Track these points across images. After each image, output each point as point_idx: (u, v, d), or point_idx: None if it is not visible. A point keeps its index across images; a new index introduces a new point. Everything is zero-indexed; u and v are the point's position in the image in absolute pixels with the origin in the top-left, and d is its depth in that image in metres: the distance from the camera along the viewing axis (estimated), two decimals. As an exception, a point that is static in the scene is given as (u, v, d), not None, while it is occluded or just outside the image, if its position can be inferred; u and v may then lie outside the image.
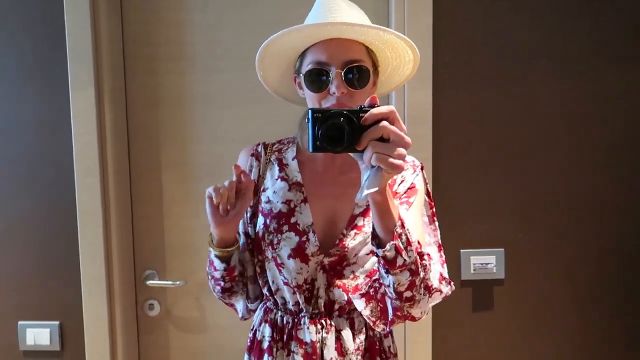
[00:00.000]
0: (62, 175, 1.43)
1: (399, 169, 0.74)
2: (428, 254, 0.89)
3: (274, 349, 1.01)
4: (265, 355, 1.01)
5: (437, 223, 1.04)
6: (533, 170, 1.43)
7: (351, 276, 0.98)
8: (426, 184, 1.03)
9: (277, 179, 1.03)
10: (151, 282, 1.52)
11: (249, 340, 1.07)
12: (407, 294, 0.87)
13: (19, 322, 1.45)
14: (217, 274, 1.00)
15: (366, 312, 0.95)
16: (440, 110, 1.41)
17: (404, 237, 0.81)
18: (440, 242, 1.03)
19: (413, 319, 0.94)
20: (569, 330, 1.46)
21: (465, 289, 1.46)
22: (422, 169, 1.03)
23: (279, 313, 1.02)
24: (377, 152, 0.73)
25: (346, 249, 0.97)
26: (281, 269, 0.99)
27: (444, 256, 1.02)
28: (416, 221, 0.96)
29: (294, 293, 0.99)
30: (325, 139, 0.75)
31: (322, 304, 0.99)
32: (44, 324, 1.45)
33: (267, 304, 1.05)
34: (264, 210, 1.02)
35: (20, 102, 1.42)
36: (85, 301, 1.44)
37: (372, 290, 0.95)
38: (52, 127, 1.43)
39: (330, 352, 0.98)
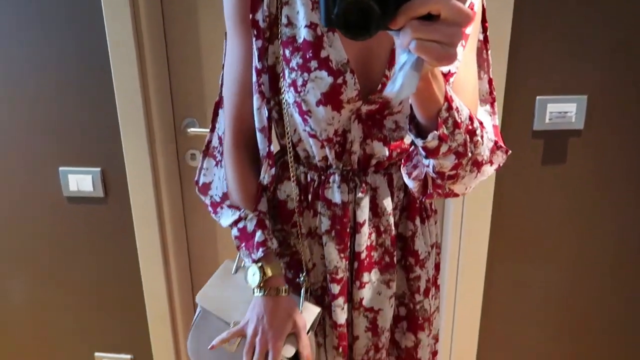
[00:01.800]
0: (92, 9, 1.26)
1: (449, 60, 0.50)
2: (481, 124, 0.70)
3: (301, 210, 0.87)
4: (294, 216, 0.87)
5: (490, 57, 0.82)
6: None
7: (393, 126, 0.80)
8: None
9: None
10: (191, 129, 1.42)
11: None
12: (451, 173, 0.70)
13: (60, 168, 1.40)
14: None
15: (410, 184, 0.78)
16: None
17: (450, 122, 0.63)
18: (494, 93, 0.82)
19: (455, 195, 0.77)
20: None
21: (537, 141, 1.32)
22: None
23: (302, 169, 0.86)
24: (419, 37, 0.49)
25: None
26: (307, 118, 0.78)
27: (497, 113, 0.82)
28: (468, 76, 0.75)
29: (322, 147, 0.81)
30: (343, 21, 0.49)
31: (356, 160, 0.82)
32: (85, 170, 1.39)
33: (285, 157, 0.87)
34: (283, 37, 0.76)
35: None
36: (126, 148, 1.36)
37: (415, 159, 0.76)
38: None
39: (364, 214, 0.84)
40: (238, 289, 0.88)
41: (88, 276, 1.51)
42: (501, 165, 0.79)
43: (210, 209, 0.88)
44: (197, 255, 1.58)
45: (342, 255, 0.84)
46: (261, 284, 0.81)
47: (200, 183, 0.89)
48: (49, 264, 1.51)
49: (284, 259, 0.90)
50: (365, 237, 0.84)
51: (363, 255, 0.84)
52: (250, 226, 0.82)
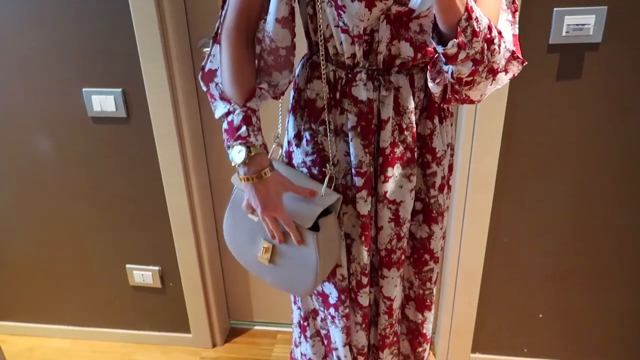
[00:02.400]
0: None
1: None
2: (499, 33, 0.76)
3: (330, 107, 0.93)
4: (323, 113, 0.92)
5: None
6: None
7: (418, 29, 0.85)
8: None
9: None
10: (207, 49, 1.44)
11: (292, 101, 0.98)
12: (468, 79, 0.78)
13: (83, 89, 1.45)
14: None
15: (433, 88, 0.84)
16: None
17: (469, 31, 0.70)
18: (516, 2, 0.86)
19: (471, 102, 0.85)
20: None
21: (552, 55, 1.30)
22: None
23: (331, 67, 0.90)
24: None
25: None
26: (341, 12, 0.82)
27: (517, 23, 0.86)
28: None
29: (352, 43, 0.85)
30: None
31: (381, 60, 0.87)
32: (107, 90, 1.44)
33: (314, 58, 0.92)
34: None
35: None
36: (144, 68, 1.40)
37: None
38: None
39: (388, 111, 0.90)
40: None
41: (116, 193, 1.61)
42: (516, 75, 0.86)
43: (209, 98, 0.92)
44: (216, 171, 1.65)
45: (366, 150, 0.91)
46: (246, 161, 0.85)
47: (206, 69, 0.91)
48: (79, 183, 1.60)
49: (309, 156, 0.96)
50: (388, 134, 0.90)
51: (387, 151, 0.92)
52: (237, 120, 0.86)
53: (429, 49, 0.87)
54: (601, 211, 1.46)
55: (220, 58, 0.88)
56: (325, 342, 1.12)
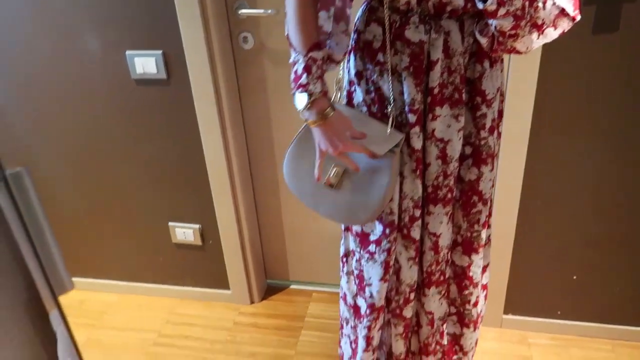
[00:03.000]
0: None
1: None
2: None
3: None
4: (379, 54, 0.99)
5: None
6: None
7: None
8: None
9: None
10: (242, 11, 1.49)
11: (352, 43, 1.04)
12: (511, 32, 0.83)
13: (127, 52, 1.54)
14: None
15: (481, 40, 0.91)
16: None
17: None
18: None
19: (518, 52, 0.90)
20: None
21: (589, 7, 1.27)
22: None
23: (387, 11, 0.96)
24: None
25: None
26: None
27: None
28: None
29: None
30: None
31: (432, 7, 0.93)
32: (149, 52, 1.52)
33: (372, 3, 1.00)
34: None
35: None
36: (183, 30, 1.46)
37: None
38: None
39: (437, 53, 0.95)
40: None
41: (159, 153, 1.69)
42: (566, 30, 0.90)
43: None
44: (253, 132, 1.71)
45: (418, 88, 0.97)
46: (308, 106, 0.93)
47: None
48: (125, 143, 1.70)
49: (369, 95, 1.03)
50: (437, 74, 0.96)
51: (435, 91, 0.97)
52: (300, 69, 0.93)
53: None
54: (638, 170, 1.43)
55: (287, 9, 0.95)
56: (357, 281, 1.17)
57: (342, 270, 1.24)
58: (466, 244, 1.14)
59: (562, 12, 0.85)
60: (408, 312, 1.20)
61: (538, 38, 0.87)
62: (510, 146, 1.44)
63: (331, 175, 1.03)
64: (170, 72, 1.55)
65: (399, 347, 1.23)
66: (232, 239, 1.78)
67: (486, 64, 0.98)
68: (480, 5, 0.78)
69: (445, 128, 1.00)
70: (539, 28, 0.84)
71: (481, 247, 1.15)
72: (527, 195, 1.52)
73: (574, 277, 1.62)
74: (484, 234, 1.14)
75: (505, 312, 1.73)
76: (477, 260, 1.16)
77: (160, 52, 1.52)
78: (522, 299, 1.69)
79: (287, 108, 1.64)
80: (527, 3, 0.77)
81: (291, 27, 0.94)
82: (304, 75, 0.92)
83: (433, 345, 1.25)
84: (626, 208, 1.48)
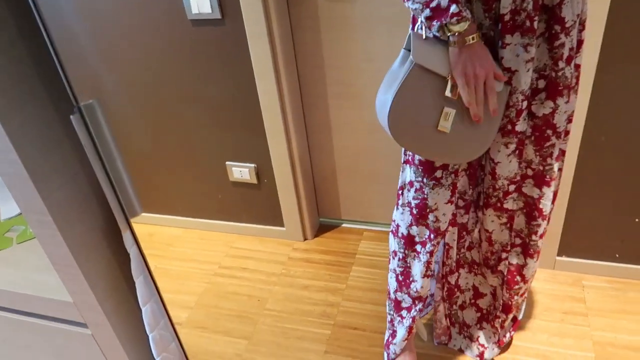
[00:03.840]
0: None
1: None
2: None
3: None
4: None
5: None
6: None
7: None
8: None
9: None
10: (295, -55, 1.46)
11: None
12: None
13: (182, -7, 1.55)
14: None
15: None
16: None
17: None
18: None
19: None
20: None
21: None
22: None
23: None
24: None
25: None
26: None
27: None
28: None
29: None
30: None
31: None
32: (203, -8, 1.54)
33: None
34: None
35: None
36: (235, -33, 1.46)
37: None
38: None
39: None
40: (437, 49, 1.00)
41: (215, 94, 1.74)
42: None
43: None
44: (305, 72, 1.72)
45: (486, 14, 0.97)
46: (461, 32, 0.94)
47: None
48: (183, 84, 1.75)
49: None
50: (509, 1, 0.94)
51: (506, 18, 0.95)
52: (445, 2, 0.92)
53: None
54: None
55: None
56: (417, 211, 1.20)
57: (396, 204, 1.27)
58: (538, 177, 1.14)
59: None
60: (460, 219, 1.27)
61: None
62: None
63: (447, 119, 1.03)
64: (224, 11, 1.56)
65: (453, 252, 1.32)
66: (286, 178, 1.84)
67: None
68: None
69: (514, 57, 0.99)
70: None
71: (553, 180, 1.15)
72: (590, 131, 1.45)
73: (637, 220, 1.57)
74: (556, 167, 1.14)
75: (559, 254, 1.71)
76: (549, 192, 1.16)
77: (214, -11, 1.53)
78: (578, 241, 1.66)
79: (340, 46, 1.63)
80: None
81: None
82: (453, 5, 0.92)
83: (492, 263, 1.30)
84: (699, 148, 1.39)
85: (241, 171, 1.89)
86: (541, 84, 1.04)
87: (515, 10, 0.95)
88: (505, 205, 1.18)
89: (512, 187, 1.16)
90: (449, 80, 0.99)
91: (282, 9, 1.57)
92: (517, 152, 1.10)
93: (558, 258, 1.71)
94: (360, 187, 1.92)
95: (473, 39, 0.95)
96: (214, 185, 1.98)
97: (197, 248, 2.03)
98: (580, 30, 1.02)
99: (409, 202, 1.21)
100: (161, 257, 2.00)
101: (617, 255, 1.66)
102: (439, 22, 0.94)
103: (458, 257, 1.36)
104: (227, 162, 1.90)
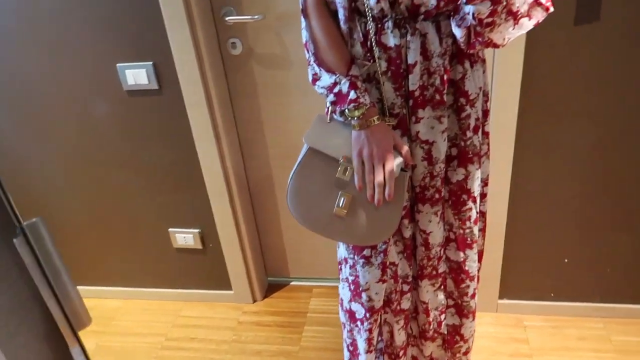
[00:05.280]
0: None
1: None
2: None
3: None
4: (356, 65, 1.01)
5: None
6: None
7: None
8: None
9: None
10: (230, 18, 1.50)
11: None
12: (488, 20, 0.84)
13: (118, 65, 1.55)
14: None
15: (457, 32, 0.92)
16: None
17: None
18: None
19: (495, 45, 0.91)
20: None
21: None
22: None
23: (362, 19, 0.99)
24: None
25: None
26: None
27: None
28: None
29: (378, 2, 0.93)
30: None
31: (405, 8, 0.93)
32: (139, 64, 1.53)
33: (345, 13, 1.00)
34: None
35: None
36: (172, 40, 1.47)
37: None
38: None
39: (415, 56, 0.96)
40: (338, 132, 1.03)
41: (155, 161, 1.72)
42: (540, 21, 0.93)
43: (310, 67, 1.02)
44: (246, 135, 1.74)
45: (397, 93, 1.00)
46: (359, 116, 0.97)
47: (304, 41, 1.02)
48: (121, 153, 1.72)
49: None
50: (417, 77, 0.98)
51: (416, 94, 0.99)
52: (345, 88, 0.97)
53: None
54: (624, 153, 1.47)
55: (312, 31, 0.99)
56: (352, 287, 1.21)
57: (339, 276, 1.27)
58: (460, 241, 1.18)
59: (536, 1, 0.88)
60: (406, 304, 1.25)
61: (513, 28, 0.89)
62: (499, 134, 1.48)
63: (341, 204, 1.03)
64: (161, 82, 1.56)
65: (401, 338, 1.28)
66: (232, 241, 1.82)
67: (467, 64, 1.00)
68: None
69: (429, 130, 1.03)
70: (515, 16, 0.86)
71: (475, 242, 1.19)
72: (518, 181, 1.55)
73: (565, 260, 1.67)
74: (476, 230, 1.18)
75: (500, 296, 1.78)
76: (472, 254, 1.20)
77: (150, 63, 1.53)
78: (516, 283, 1.75)
79: (278, 110, 1.66)
80: None
81: (323, 52, 0.99)
82: (352, 92, 0.96)
83: (431, 332, 1.30)
84: (614, 190, 1.53)
85: (185, 237, 1.85)
86: (453, 151, 1.08)
87: (424, 86, 0.99)
88: (440, 271, 1.21)
89: (442, 251, 1.19)
90: (342, 163, 1.01)
91: (219, 77, 1.60)
92: (440, 215, 1.14)
93: (499, 301, 1.79)
94: (307, 243, 1.93)
95: (374, 121, 0.98)
96: (157, 253, 1.92)
97: (141, 320, 1.94)
98: (485, 101, 1.08)
99: (347, 278, 1.22)
100: (102, 333, 1.90)
101: (552, 295, 1.75)
102: (340, 108, 0.98)
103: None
104: (170, 229, 1.85)
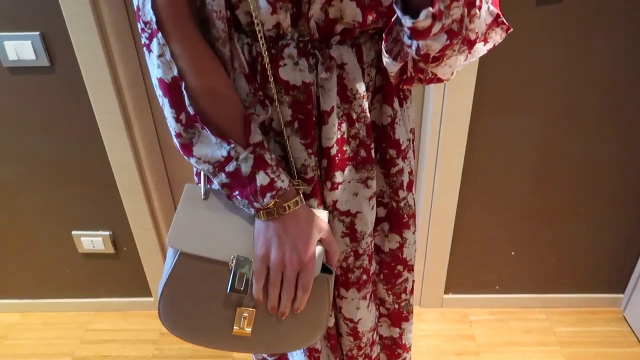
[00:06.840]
0: None
1: None
2: None
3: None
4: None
5: None
6: None
7: None
8: None
9: None
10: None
11: None
12: (437, 54, 0.57)
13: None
14: None
15: (390, 65, 0.63)
16: None
17: None
18: None
19: (439, 80, 0.65)
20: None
21: (530, -24, 1.17)
22: None
23: (245, 40, 0.65)
24: None
25: None
26: None
27: None
28: None
29: (274, 12, 0.60)
30: None
31: (314, 26, 0.63)
32: (22, 34, 1.22)
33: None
34: None
35: None
36: (64, 5, 1.18)
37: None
38: None
39: (331, 99, 0.67)
40: (223, 216, 0.68)
41: (51, 152, 1.42)
42: (497, 44, 0.66)
43: (175, 140, 0.67)
44: (165, 122, 1.48)
45: (309, 150, 0.69)
46: (273, 203, 0.64)
47: (157, 75, 0.64)
48: (6, 143, 1.40)
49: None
50: (334, 129, 0.69)
51: (333, 151, 0.70)
52: (247, 168, 0.63)
53: (382, 9, 0.62)
54: (569, 148, 1.40)
55: (175, 60, 0.60)
56: None
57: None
58: (394, 316, 0.96)
59: (496, 20, 0.64)
60: None
61: (466, 59, 0.63)
62: (451, 127, 1.35)
63: (242, 324, 0.70)
64: (53, 57, 1.26)
65: None
66: (150, 243, 1.58)
67: (396, 104, 0.73)
68: (408, 23, 0.51)
69: (352, 197, 0.75)
70: (471, 45, 0.60)
71: (411, 313, 0.97)
72: (467, 177, 1.45)
73: (512, 253, 1.61)
74: (412, 299, 0.96)
75: (446, 292, 1.70)
76: (408, 326, 0.99)
77: (37, 33, 1.22)
78: (462, 278, 1.67)
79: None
80: (465, 11, 0.52)
81: (200, 98, 0.61)
82: (261, 175, 0.63)
83: None
84: (559, 183, 1.46)
85: (93, 241, 1.57)
86: (381, 212, 0.83)
87: (343, 139, 0.70)
88: (373, 356, 1.00)
89: (375, 335, 0.97)
90: (232, 268, 0.67)
91: (129, 51, 1.32)
92: (370, 297, 0.89)
93: (445, 296, 1.70)
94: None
95: (290, 207, 0.65)
96: (60, 260, 1.63)
97: (42, 337, 1.65)
98: (413, 140, 0.82)
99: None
100: (-8, 356, 1.60)
101: (497, 287, 1.69)
102: (243, 199, 0.64)
103: None
104: (73, 232, 1.57)
